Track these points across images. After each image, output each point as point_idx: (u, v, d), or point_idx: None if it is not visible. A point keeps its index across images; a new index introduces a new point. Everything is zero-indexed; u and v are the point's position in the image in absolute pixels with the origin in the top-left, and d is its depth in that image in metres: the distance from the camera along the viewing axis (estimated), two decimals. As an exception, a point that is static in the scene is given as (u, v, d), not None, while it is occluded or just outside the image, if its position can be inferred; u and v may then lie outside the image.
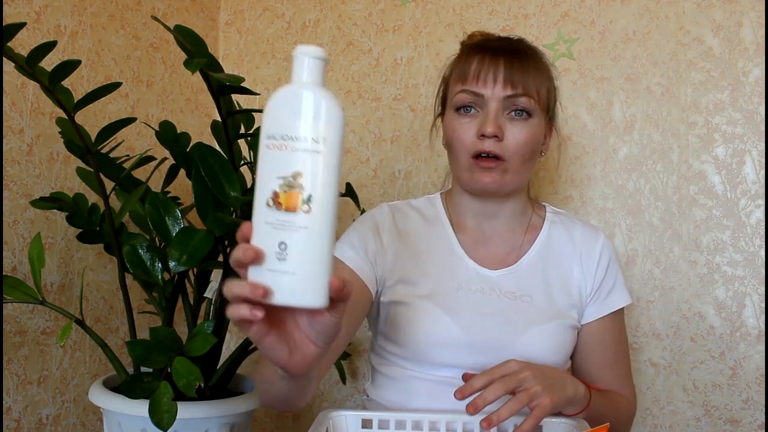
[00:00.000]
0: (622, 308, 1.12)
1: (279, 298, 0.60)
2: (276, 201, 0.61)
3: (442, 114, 1.12)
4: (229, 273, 1.20)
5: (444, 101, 1.11)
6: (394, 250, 1.07)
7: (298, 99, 0.60)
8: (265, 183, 0.61)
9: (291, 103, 0.61)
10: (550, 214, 1.15)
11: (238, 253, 0.60)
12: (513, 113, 1.02)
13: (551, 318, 1.04)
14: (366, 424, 0.93)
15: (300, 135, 0.60)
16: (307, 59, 0.61)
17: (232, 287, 0.60)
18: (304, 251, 0.60)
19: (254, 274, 0.61)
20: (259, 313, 0.60)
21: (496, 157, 1.02)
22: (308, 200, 0.60)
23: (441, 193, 1.18)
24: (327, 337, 0.65)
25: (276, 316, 0.63)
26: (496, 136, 1.00)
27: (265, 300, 0.60)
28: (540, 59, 1.07)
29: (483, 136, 1.01)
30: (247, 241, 0.61)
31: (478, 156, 1.02)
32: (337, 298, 0.61)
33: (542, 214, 1.15)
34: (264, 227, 0.61)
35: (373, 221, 1.10)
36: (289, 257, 0.60)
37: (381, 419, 0.93)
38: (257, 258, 0.60)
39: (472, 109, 1.03)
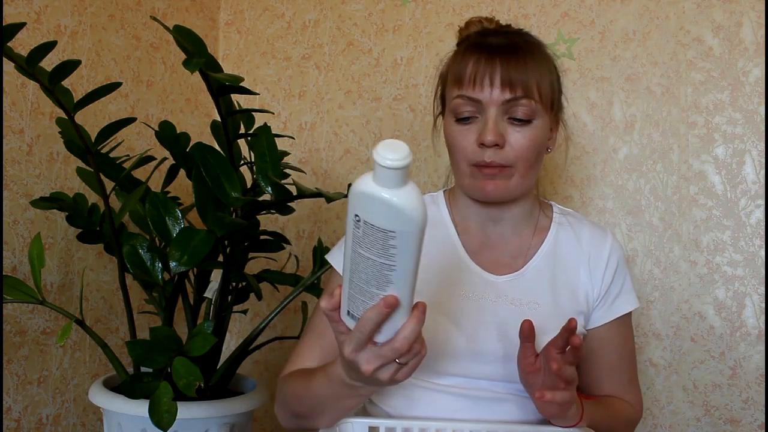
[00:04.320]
0: (630, 312, 1.08)
1: None
2: None
3: (442, 113, 1.09)
4: (230, 273, 1.20)
5: (443, 100, 1.06)
6: None
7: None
8: None
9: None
10: (557, 215, 1.10)
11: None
12: (514, 119, 0.97)
13: (558, 326, 1.00)
14: (373, 431, 0.93)
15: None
16: (390, 171, 0.63)
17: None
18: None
19: None
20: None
21: (499, 166, 0.97)
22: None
23: (444, 191, 1.13)
24: None
25: None
26: (496, 145, 0.96)
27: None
28: (539, 52, 1.01)
29: (483, 145, 0.96)
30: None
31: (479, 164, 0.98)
32: None
33: (549, 214, 1.10)
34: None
35: None
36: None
37: (388, 427, 0.93)
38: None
39: (471, 117, 0.98)
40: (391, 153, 0.62)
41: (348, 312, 0.73)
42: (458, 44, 1.05)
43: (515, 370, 0.97)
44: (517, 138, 0.96)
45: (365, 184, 0.64)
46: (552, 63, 1.02)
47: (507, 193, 0.99)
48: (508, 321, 0.99)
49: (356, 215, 0.66)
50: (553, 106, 1.01)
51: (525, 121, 0.96)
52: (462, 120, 0.98)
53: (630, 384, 1.09)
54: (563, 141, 1.47)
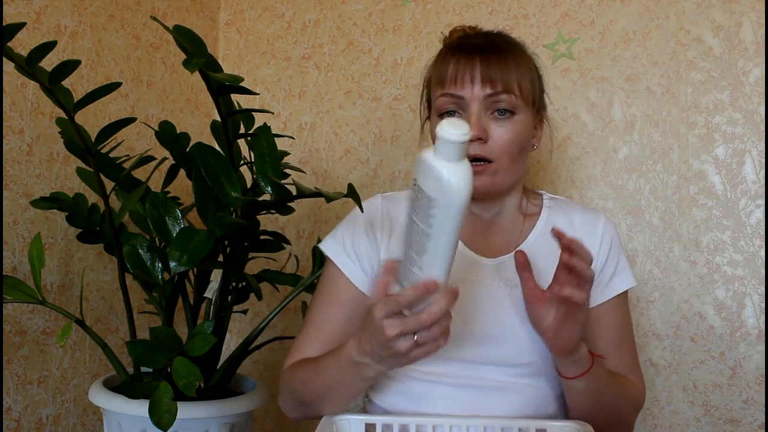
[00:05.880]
0: (626, 291, 1.08)
1: None
2: None
3: (429, 117, 1.11)
4: (230, 273, 1.20)
5: (429, 105, 1.09)
6: (387, 243, 1.05)
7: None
8: None
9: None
10: (547, 201, 1.12)
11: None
12: (496, 113, 1.00)
13: None
14: (369, 428, 0.93)
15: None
16: (447, 144, 0.70)
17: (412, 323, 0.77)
18: None
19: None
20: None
21: (484, 160, 1.00)
22: None
23: None
24: None
25: None
26: (480, 139, 0.98)
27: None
28: (519, 52, 1.04)
29: None
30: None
31: None
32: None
33: (538, 202, 1.12)
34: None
35: (365, 218, 1.08)
36: None
37: (384, 424, 0.93)
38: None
39: (455, 112, 1.01)
40: (451, 128, 0.69)
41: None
42: (440, 50, 1.08)
43: (512, 352, 0.99)
44: (500, 133, 1.00)
45: (427, 152, 0.71)
46: (532, 62, 1.06)
47: (493, 188, 1.02)
48: (502, 302, 1.01)
49: (415, 179, 0.73)
50: (535, 104, 1.04)
51: (507, 114, 1.00)
52: (446, 115, 1.02)
53: (632, 365, 1.09)
54: (563, 141, 1.48)
